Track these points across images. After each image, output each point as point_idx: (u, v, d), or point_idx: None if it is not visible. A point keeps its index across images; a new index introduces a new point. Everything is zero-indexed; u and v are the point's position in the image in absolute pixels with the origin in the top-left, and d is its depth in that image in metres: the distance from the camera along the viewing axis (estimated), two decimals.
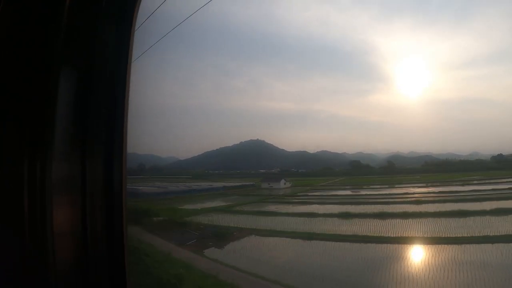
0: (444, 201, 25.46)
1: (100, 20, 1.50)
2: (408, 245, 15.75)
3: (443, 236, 17.17)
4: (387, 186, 35.80)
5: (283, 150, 76.05)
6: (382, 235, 16.81)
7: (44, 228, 1.32)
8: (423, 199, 27.59)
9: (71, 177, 1.43)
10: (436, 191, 31.06)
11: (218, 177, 46.75)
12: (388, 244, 15.25)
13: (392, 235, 16.97)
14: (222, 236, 16.14)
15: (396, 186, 35.71)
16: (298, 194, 31.88)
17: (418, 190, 32.14)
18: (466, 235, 17.09)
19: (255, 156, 72.81)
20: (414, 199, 27.69)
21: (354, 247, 15.38)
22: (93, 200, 1.47)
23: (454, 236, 17.12)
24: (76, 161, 1.45)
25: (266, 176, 41.50)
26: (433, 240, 16.58)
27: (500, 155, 55.31)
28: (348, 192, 33.21)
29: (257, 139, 79.56)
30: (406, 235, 16.99)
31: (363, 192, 32.59)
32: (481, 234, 16.35)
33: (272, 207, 25.31)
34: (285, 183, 35.98)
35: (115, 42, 1.53)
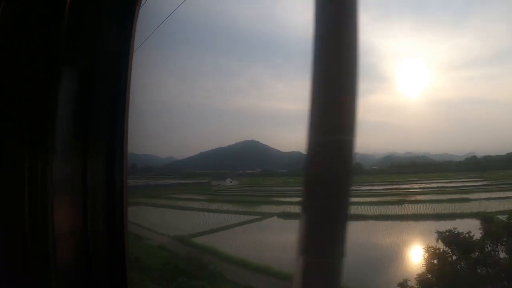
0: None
1: (102, 19, 1.50)
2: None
3: None
4: None
5: (277, 150, 76.65)
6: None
7: (45, 228, 1.33)
8: None
9: (72, 177, 1.44)
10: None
11: (199, 176, 52.73)
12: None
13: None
14: None
15: None
16: (226, 189, 41.18)
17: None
18: None
19: (248, 157, 74.83)
20: None
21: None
22: (94, 200, 1.49)
23: None
24: (77, 161, 1.45)
25: (216, 175, 48.60)
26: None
27: (474, 157, 57.81)
28: (276, 188, 42.03)
29: (252, 139, 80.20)
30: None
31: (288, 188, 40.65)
32: None
33: (181, 195, 36.28)
34: (231, 181, 43.65)
35: (117, 41, 1.54)
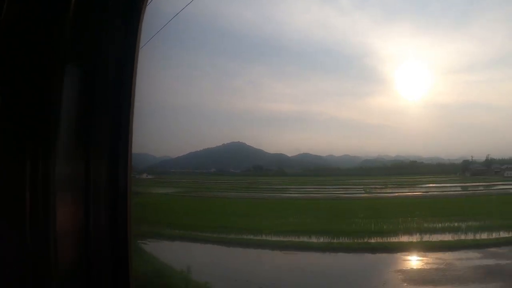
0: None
1: (107, 19, 1.50)
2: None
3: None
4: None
5: (262, 151, 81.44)
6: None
7: (46, 227, 1.32)
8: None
9: (74, 176, 1.43)
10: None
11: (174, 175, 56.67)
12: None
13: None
14: None
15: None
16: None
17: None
18: None
19: (231, 158, 77.33)
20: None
21: None
22: (97, 199, 1.48)
23: None
24: (80, 160, 1.44)
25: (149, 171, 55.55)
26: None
27: (415, 162, 56.94)
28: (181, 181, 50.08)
29: (238, 141, 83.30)
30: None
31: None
32: None
33: None
34: (147, 176, 52.43)
35: (122, 42, 1.54)
